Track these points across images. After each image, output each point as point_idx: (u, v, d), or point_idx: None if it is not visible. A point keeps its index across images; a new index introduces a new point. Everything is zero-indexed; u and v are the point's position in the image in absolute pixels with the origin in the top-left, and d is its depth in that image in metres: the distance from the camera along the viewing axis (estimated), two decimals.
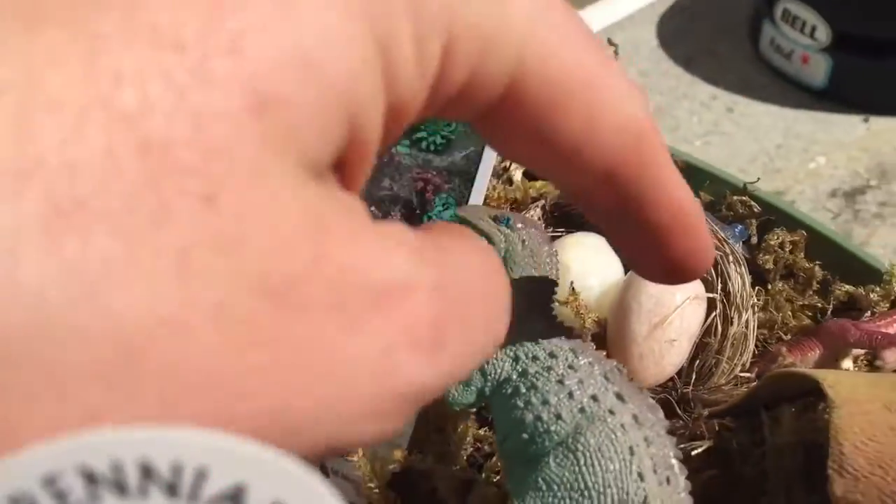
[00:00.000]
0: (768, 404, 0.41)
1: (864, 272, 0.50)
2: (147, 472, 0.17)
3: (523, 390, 0.31)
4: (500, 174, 0.57)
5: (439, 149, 0.38)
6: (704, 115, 1.18)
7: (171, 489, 0.17)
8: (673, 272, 0.27)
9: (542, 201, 0.54)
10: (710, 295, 0.46)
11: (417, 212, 0.39)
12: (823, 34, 1.12)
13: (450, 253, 0.18)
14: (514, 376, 0.32)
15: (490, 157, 0.37)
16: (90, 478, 0.17)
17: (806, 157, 1.13)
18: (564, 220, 0.54)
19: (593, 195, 0.21)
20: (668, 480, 0.29)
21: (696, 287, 0.46)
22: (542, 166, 0.20)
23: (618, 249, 0.47)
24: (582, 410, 0.29)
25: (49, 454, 0.16)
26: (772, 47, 1.21)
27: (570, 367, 0.30)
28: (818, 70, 1.16)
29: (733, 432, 0.41)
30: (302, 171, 0.14)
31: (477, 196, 0.38)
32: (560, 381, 0.30)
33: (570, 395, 0.30)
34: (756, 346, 0.47)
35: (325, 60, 0.14)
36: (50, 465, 0.16)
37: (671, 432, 0.44)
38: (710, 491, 0.40)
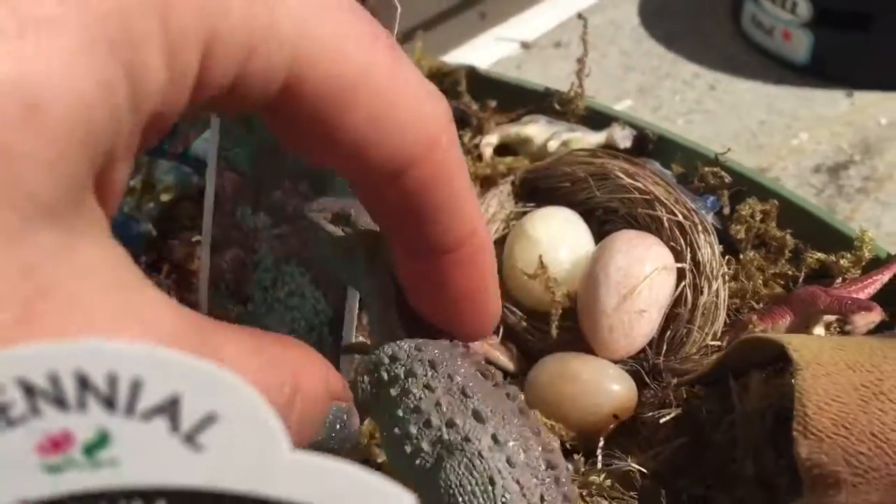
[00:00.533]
0: (737, 372, 0.41)
1: (835, 240, 0.49)
2: (83, 383, 0.17)
3: (387, 419, 0.28)
4: (471, 151, 0.57)
5: None
6: (687, 94, 1.17)
7: (108, 402, 0.17)
8: (447, 313, 0.27)
9: (512, 176, 0.53)
10: (680, 265, 0.46)
11: (323, 185, 0.38)
12: (804, 9, 1.11)
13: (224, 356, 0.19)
14: (377, 404, 0.28)
15: None
16: (29, 390, 0.17)
17: (789, 133, 1.12)
18: (533, 194, 0.53)
19: (380, 196, 0.21)
20: (542, 498, 0.26)
21: (664, 257, 0.46)
22: (329, 161, 0.21)
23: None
24: (440, 440, 0.26)
25: None
26: (753, 24, 1.21)
27: (427, 387, 0.27)
28: (800, 46, 1.15)
29: (703, 400, 0.41)
30: (24, 222, 0.14)
31: None
32: (417, 409, 0.27)
33: (428, 423, 0.27)
34: (727, 315, 0.47)
35: (48, 97, 0.14)
36: None
37: (642, 403, 0.44)
38: (680, 458, 0.40)
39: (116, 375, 0.17)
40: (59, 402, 0.17)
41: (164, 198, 0.58)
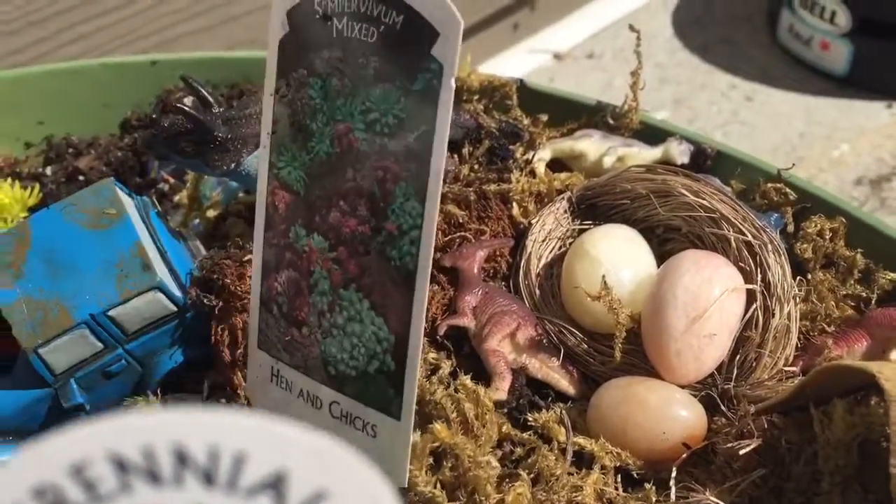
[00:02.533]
0: (818, 400, 0.39)
1: None
2: (182, 458, 0.15)
3: None
4: (523, 167, 0.55)
5: (392, 130, 0.35)
6: (723, 105, 1.15)
7: (208, 477, 0.15)
8: None
9: (568, 193, 0.52)
10: (750, 286, 0.44)
11: (381, 205, 0.37)
12: (843, 19, 1.09)
13: None
14: None
15: (443, 137, 0.34)
16: (121, 465, 0.15)
17: (829, 144, 1.10)
18: (591, 211, 0.52)
19: None
20: None
21: (734, 278, 0.44)
22: None
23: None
24: None
25: (77, 440, 0.14)
26: (790, 34, 1.19)
27: None
28: (839, 56, 1.13)
29: (782, 430, 0.39)
30: None
31: (435, 179, 0.34)
32: None
33: None
34: (799, 338, 0.45)
35: None
36: (78, 453, 0.14)
37: (712, 430, 0.42)
38: (759, 491, 0.39)
39: (219, 448, 0.16)
40: (153, 477, 0.15)
41: (211, 214, 0.57)
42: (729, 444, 0.39)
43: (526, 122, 0.59)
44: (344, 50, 0.36)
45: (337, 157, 0.38)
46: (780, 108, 1.16)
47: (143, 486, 0.15)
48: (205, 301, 0.45)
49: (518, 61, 1.24)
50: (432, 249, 0.35)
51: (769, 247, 0.45)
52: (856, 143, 1.10)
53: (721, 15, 1.30)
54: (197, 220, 0.57)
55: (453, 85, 0.33)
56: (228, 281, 0.46)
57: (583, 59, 1.25)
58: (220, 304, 0.46)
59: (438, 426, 0.40)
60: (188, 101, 0.53)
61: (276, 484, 0.16)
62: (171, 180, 0.61)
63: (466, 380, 0.44)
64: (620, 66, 1.30)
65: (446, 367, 0.46)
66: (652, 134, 0.57)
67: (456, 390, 0.43)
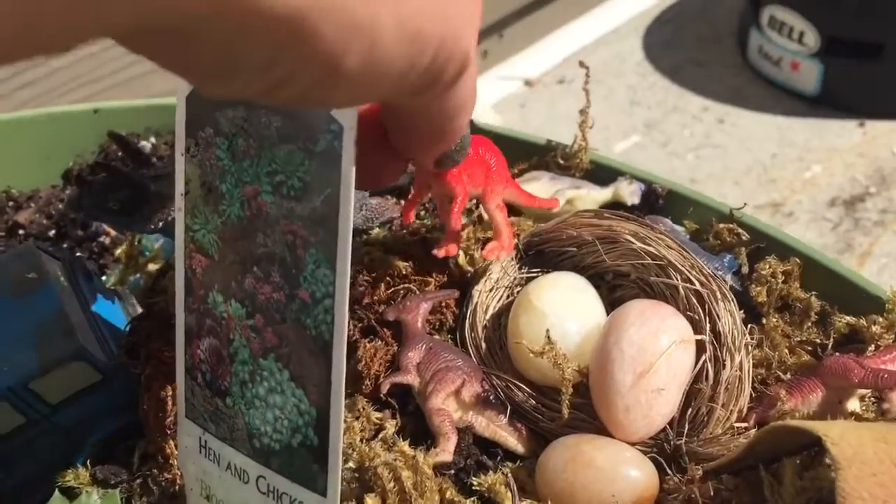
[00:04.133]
0: (767, 460, 0.38)
1: (864, 300, 0.46)
2: None
3: None
4: (470, 212, 0.54)
5: (298, 193, 0.34)
6: (696, 128, 1.14)
7: None
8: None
9: (515, 240, 0.50)
10: (699, 337, 0.43)
11: (293, 272, 0.35)
12: (812, 39, 1.09)
13: None
14: None
15: (348, 200, 0.32)
16: None
17: (802, 165, 1.09)
18: (539, 258, 0.50)
19: None
20: None
21: (682, 330, 0.42)
22: None
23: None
24: None
25: None
26: (760, 55, 1.18)
27: None
28: (809, 76, 1.12)
29: (732, 492, 0.37)
30: None
31: (344, 245, 0.33)
32: None
33: None
34: (753, 387, 0.43)
35: None
36: None
37: (664, 489, 0.40)
38: None
39: None
40: None
41: (152, 267, 0.55)
42: None
43: None
44: (247, 109, 0.34)
45: (248, 221, 0.36)
46: (751, 130, 1.15)
47: None
48: (131, 368, 0.43)
49: (489, 88, 1.23)
50: (346, 319, 0.33)
51: (718, 294, 0.43)
52: (828, 163, 1.09)
53: (691, 37, 1.30)
54: (137, 275, 0.55)
55: (354, 147, 0.31)
56: (155, 346, 0.44)
57: (553, 85, 1.24)
58: (148, 370, 0.44)
59: (370, 501, 0.38)
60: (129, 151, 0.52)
61: None
62: (112, 233, 0.59)
63: (404, 446, 0.41)
64: (592, 91, 1.29)
65: (391, 427, 0.44)
66: (603, 174, 0.55)
67: (394, 459, 0.41)
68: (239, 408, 0.38)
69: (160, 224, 0.47)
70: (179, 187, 0.38)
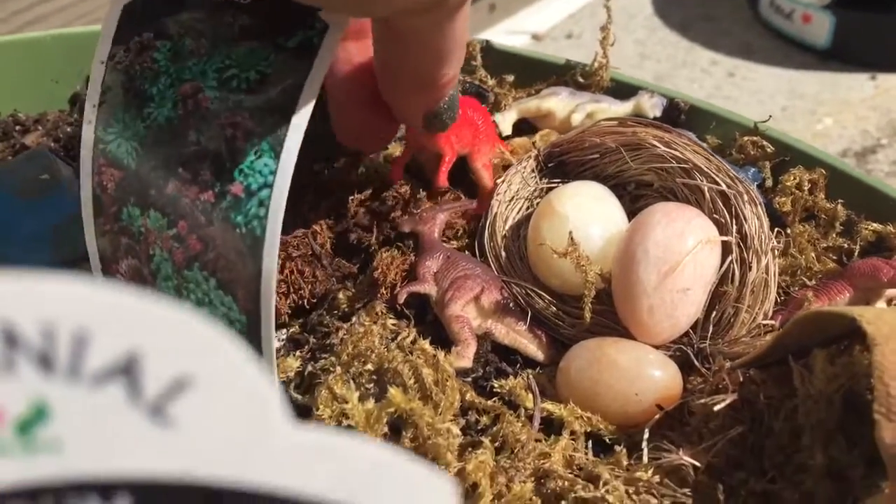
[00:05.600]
0: (797, 353, 0.37)
1: (890, 209, 0.45)
2: (11, 337, 0.12)
3: None
4: None
5: (252, 87, 0.32)
6: (705, 82, 1.13)
7: (45, 362, 0.13)
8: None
9: (535, 151, 0.49)
10: (725, 238, 0.42)
11: (228, 166, 0.33)
12: None
13: None
14: None
15: (312, 92, 0.31)
16: None
17: (813, 118, 1.08)
18: (559, 169, 0.49)
19: None
20: None
21: (708, 230, 0.42)
22: None
23: None
24: None
25: None
26: (771, 8, 1.17)
27: None
28: (821, 29, 1.11)
29: (760, 385, 0.37)
30: None
31: (295, 134, 0.31)
32: None
33: None
34: (778, 293, 0.43)
35: None
36: None
37: (688, 391, 0.39)
38: (737, 450, 0.36)
39: (55, 326, 0.13)
40: None
41: None
42: (703, 401, 0.36)
43: (491, 82, 0.56)
44: (209, 10, 0.33)
45: (179, 121, 0.34)
46: (762, 83, 1.14)
47: None
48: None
49: (497, 42, 1.21)
50: (282, 211, 0.32)
51: (745, 197, 0.42)
52: (840, 116, 1.08)
53: None
54: None
55: (337, 41, 0.31)
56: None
57: (561, 39, 1.23)
58: None
59: (394, 391, 0.38)
60: None
61: (127, 368, 0.13)
62: None
63: (425, 344, 0.41)
64: (600, 45, 1.28)
65: (407, 334, 0.44)
66: (623, 91, 0.54)
67: (415, 357, 0.41)
68: None
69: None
70: (94, 98, 0.36)
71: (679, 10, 1.28)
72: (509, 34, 1.25)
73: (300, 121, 0.31)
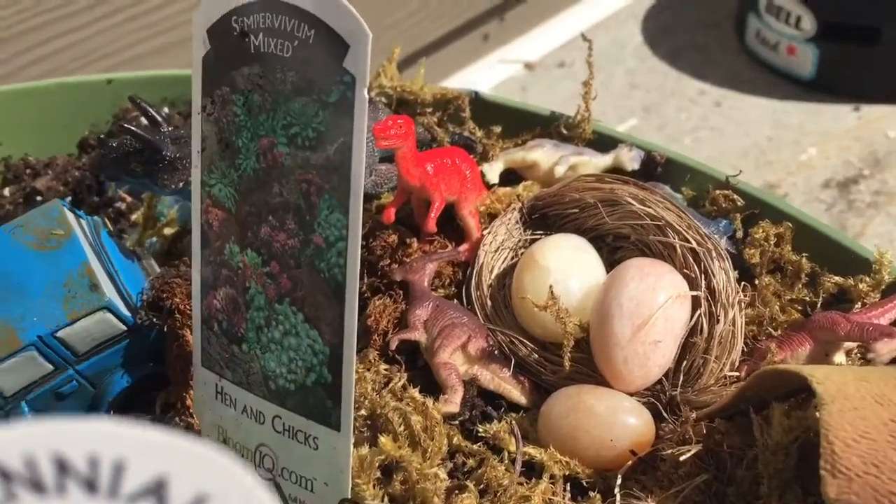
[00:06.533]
0: (758, 405, 0.40)
1: (853, 262, 0.48)
2: (62, 466, 0.16)
3: None
4: None
5: (313, 143, 0.36)
6: (693, 111, 1.16)
7: (90, 484, 0.16)
8: None
9: (519, 203, 0.52)
10: (695, 293, 0.45)
11: (308, 218, 0.37)
12: (809, 24, 1.11)
13: None
14: None
15: (360, 147, 0.34)
16: (3, 475, 0.15)
17: (797, 148, 1.11)
18: (542, 221, 0.52)
19: None
20: None
21: (679, 285, 0.45)
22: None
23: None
24: None
25: None
26: (758, 40, 1.20)
27: None
28: (805, 60, 1.14)
29: (724, 435, 0.40)
30: None
31: (356, 194, 0.35)
32: None
33: None
34: (745, 343, 0.46)
35: None
36: None
37: (660, 437, 0.42)
38: (702, 496, 0.39)
39: (98, 457, 0.16)
40: (37, 486, 0.16)
41: (168, 232, 0.57)
42: (671, 451, 0.39)
43: (479, 133, 0.59)
44: (262, 65, 0.36)
45: (263, 173, 0.38)
46: (748, 114, 1.17)
47: (27, 495, 0.16)
48: (154, 320, 0.46)
49: (489, 71, 1.24)
50: (359, 260, 0.36)
51: (713, 253, 0.45)
52: (823, 146, 1.11)
53: (690, 22, 1.31)
54: (154, 238, 0.57)
55: (366, 96, 0.34)
56: (178, 300, 0.46)
57: (553, 69, 1.26)
58: (169, 323, 0.46)
59: (384, 440, 0.40)
60: (143, 120, 0.54)
61: (157, 489, 0.16)
62: (128, 199, 0.61)
63: (415, 392, 0.44)
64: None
65: (398, 379, 0.47)
66: (604, 143, 0.57)
67: (406, 404, 0.43)
68: (255, 352, 0.40)
69: (180, 185, 0.49)
70: (196, 145, 0.40)
71: (668, 39, 1.31)
72: (502, 63, 1.28)
73: (358, 177, 0.35)
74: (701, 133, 1.18)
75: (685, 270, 0.46)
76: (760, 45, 1.23)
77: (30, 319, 0.44)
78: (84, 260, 0.46)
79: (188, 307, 0.45)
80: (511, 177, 0.57)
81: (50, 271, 0.45)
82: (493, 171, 0.56)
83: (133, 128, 0.48)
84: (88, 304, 0.44)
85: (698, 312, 0.45)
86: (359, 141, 0.35)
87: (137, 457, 0.17)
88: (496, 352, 0.47)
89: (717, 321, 0.44)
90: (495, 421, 0.45)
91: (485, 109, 0.61)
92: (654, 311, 0.43)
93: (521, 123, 0.60)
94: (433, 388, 0.46)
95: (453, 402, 0.46)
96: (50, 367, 0.45)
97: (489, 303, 0.50)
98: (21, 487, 0.16)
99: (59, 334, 0.44)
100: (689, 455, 0.38)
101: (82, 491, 0.16)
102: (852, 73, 1.17)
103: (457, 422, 0.45)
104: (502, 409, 0.47)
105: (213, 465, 0.17)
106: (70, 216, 0.48)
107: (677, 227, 0.46)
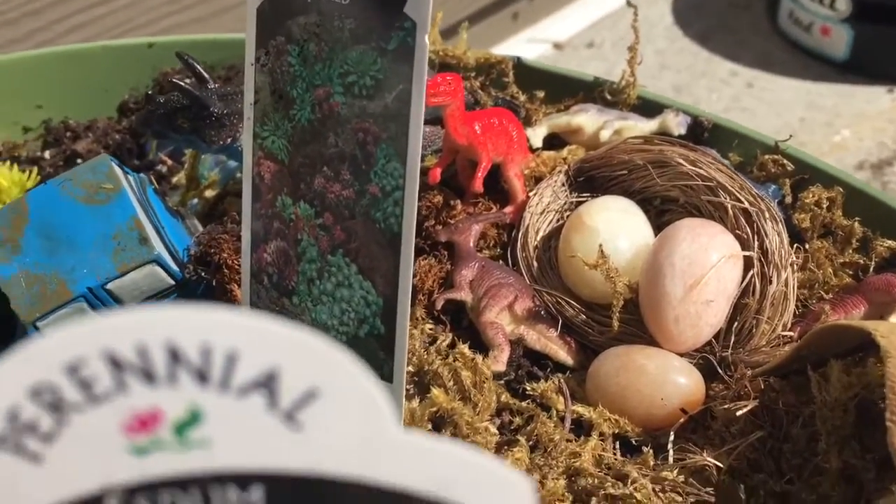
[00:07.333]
0: (814, 363, 0.39)
1: None
2: (175, 355, 0.15)
3: None
4: None
5: (370, 91, 0.35)
6: (724, 92, 1.15)
7: (201, 376, 0.15)
8: None
9: (565, 166, 0.52)
10: (747, 253, 0.44)
11: (364, 168, 0.36)
12: (843, 4, 1.09)
13: None
14: None
15: (420, 94, 0.34)
16: (115, 363, 0.15)
17: (830, 130, 1.10)
18: (588, 184, 0.52)
19: None
20: None
21: (731, 245, 0.44)
22: None
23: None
24: None
25: (70, 339, 0.14)
26: (790, 20, 1.18)
27: None
28: (839, 42, 1.13)
29: (779, 392, 0.39)
30: None
31: (415, 142, 0.34)
32: None
33: None
34: (796, 305, 0.45)
35: None
36: (72, 351, 0.14)
37: (710, 397, 0.42)
38: (757, 453, 0.38)
39: (211, 346, 0.15)
40: (148, 375, 0.15)
41: (209, 194, 0.57)
42: (726, 407, 0.39)
43: (522, 98, 0.59)
44: (320, 14, 0.36)
45: (318, 123, 0.38)
46: (780, 95, 1.16)
47: (138, 385, 0.15)
48: (202, 275, 0.46)
49: (518, 51, 1.23)
50: (416, 210, 0.35)
51: (766, 214, 0.45)
52: (857, 128, 1.10)
53: (721, 2, 1.30)
54: (195, 200, 0.57)
55: (427, 42, 0.33)
56: (226, 255, 0.46)
57: (582, 49, 1.25)
58: (217, 277, 0.46)
59: (436, 391, 0.40)
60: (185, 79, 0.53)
61: (268, 382, 0.16)
62: (169, 162, 0.61)
63: (464, 349, 0.44)
64: (620, 55, 1.30)
65: (444, 338, 0.46)
66: (649, 108, 0.57)
67: (454, 360, 0.43)
68: (305, 305, 0.40)
69: (228, 141, 0.49)
70: (249, 97, 0.40)
71: (699, 20, 1.30)
72: (531, 42, 1.27)
73: (417, 126, 0.34)
74: (732, 114, 1.16)
75: (737, 231, 0.45)
76: (793, 26, 1.21)
77: (80, 271, 0.44)
78: (133, 214, 0.46)
79: (236, 262, 0.45)
80: (554, 142, 0.57)
81: (99, 224, 0.45)
82: (536, 135, 0.55)
83: (182, 83, 0.48)
84: (138, 256, 0.44)
85: (751, 273, 0.44)
86: (419, 88, 0.34)
87: (250, 347, 0.16)
88: (542, 312, 0.47)
89: (770, 282, 0.44)
90: (542, 380, 0.45)
91: (527, 75, 0.60)
92: (706, 270, 0.43)
93: (563, 89, 0.59)
94: (478, 348, 0.46)
95: (500, 360, 0.45)
96: None
97: (535, 264, 0.49)
98: (132, 377, 0.16)
99: (108, 286, 0.44)
100: (745, 411, 0.38)
101: (193, 382, 0.16)
102: (887, 55, 1.15)
103: (503, 381, 0.45)
104: (548, 369, 0.46)
105: (327, 360, 0.17)
106: (118, 171, 0.48)
107: (729, 187, 0.46)
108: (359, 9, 0.35)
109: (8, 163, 0.61)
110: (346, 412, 0.17)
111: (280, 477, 0.17)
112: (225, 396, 0.16)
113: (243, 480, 0.16)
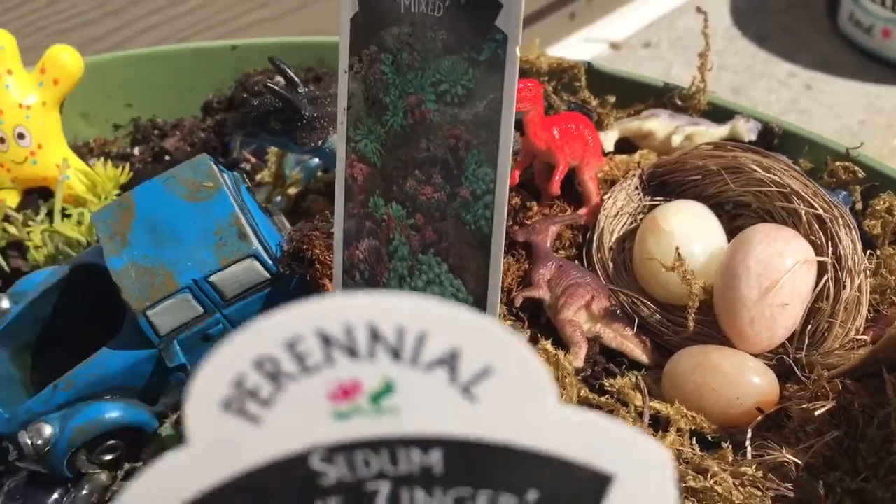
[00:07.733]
0: (890, 367, 0.41)
1: None
2: (375, 335, 0.18)
3: None
4: None
5: (462, 100, 0.37)
6: (782, 93, 1.15)
7: (395, 352, 0.18)
8: None
9: (639, 170, 0.54)
10: (821, 259, 0.46)
11: (455, 172, 0.38)
12: None
13: None
14: None
15: (511, 103, 0.35)
16: (326, 340, 0.18)
17: (890, 133, 1.10)
18: (661, 188, 0.53)
19: None
20: None
21: (805, 251, 0.45)
22: None
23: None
24: None
25: (289, 319, 0.17)
26: (851, 22, 1.18)
27: None
28: None
29: (855, 394, 0.41)
30: None
31: (505, 149, 0.36)
32: None
33: None
34: (869, 310, 0.46)
35: None
36: (291, 330, 0.17)
37: (784, 397, 0.43)
38: (833, 452, 0.40)
39: (405, 328, 0.18)
40: (352, 352, 0.18)
41: (292, 191, 0.60)
42: (803, 406, 0.40)
43: (594, 102, 0.60)
44: (413, 25, 0.38)
45: (411, 129, 0.40)
46: (840, 97, 1.15)
47: (343, 359, 0.18)
48: (296, 269, 0.48)
49: (575, 50, 1.25)
50: (506, 212, 0.37)
51: (840, 221, 0.46)
52: None
53: (780, 3, 1.30)
54: (279, 197, 0.60)
55: (517, 53, 0.35)
56: (318, 251, 0.48)
57: (639, 49, 1.25)
58: (311, 272, 0.48)
59: None
60: (277, 81, 0.56)
61: (450, 359, 0.19)
62: (253, 160, 0.64)
63: (547, 344, 0.46)
64: (677, 55, 1.30)
65: (524, 335, 0.48)
66: (719, 114, 0.58)
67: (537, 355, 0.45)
68: None
69: (319, 143, 0.51)
70: (343, 102, 0.42)
71: (758, 21, 1.30)
72: (588, 42, 1.28)
73: (507, 133, 0.36)
74: (790, 116, 1.16)
75: (811, 237, 0.47)
76: (853, 28, 1.21)
77: (184, 264, 0.47)
78: (232, 210, 0.48)
79: (328, 258, 0.48)
80: (624, 146, 0.58)
81: (201, 220, 0.48)
82: (608, 139, 0.57)
83: (276, 87, 0.51)
84: (238, 251, 0.47)
85: (825, 278, 0.46)
86: (509, 97, 0.36)
87: (437, 329, 0.19)
88: (618, 311, 0.49)
89: (843, 287, 0.45)
90: (618, 377, 0.47)
91: (598, 79, 0.62)
92: (781, 274, 0.44)
93: (633, 94, 0.61)
94: (556, 345, 0.48)
95: (579, 357, 0.47)
96: (201, 309, 0.48)
97: (610, 265, 0.51)
98: (339, 352, 0.18)
99: (211, 279, 0.47)
100: (822, 410, 0.40)
101: (388, 357, 0.19)
102: None
103: (580, 377, 0.47)
104: (623, 366, 0.48)
105: (501, 341, 0.19)
106: (216, 169, 0.51)
107: (803, 194, 0.47)
108: (451, 21, 0.37)
109: (101, 158, 0.64)
110: (515, 387, 0.19)
111: (456, 442, 0.19)
112: (414, 371, 0.19)
113: (425, 444, 0.19)
